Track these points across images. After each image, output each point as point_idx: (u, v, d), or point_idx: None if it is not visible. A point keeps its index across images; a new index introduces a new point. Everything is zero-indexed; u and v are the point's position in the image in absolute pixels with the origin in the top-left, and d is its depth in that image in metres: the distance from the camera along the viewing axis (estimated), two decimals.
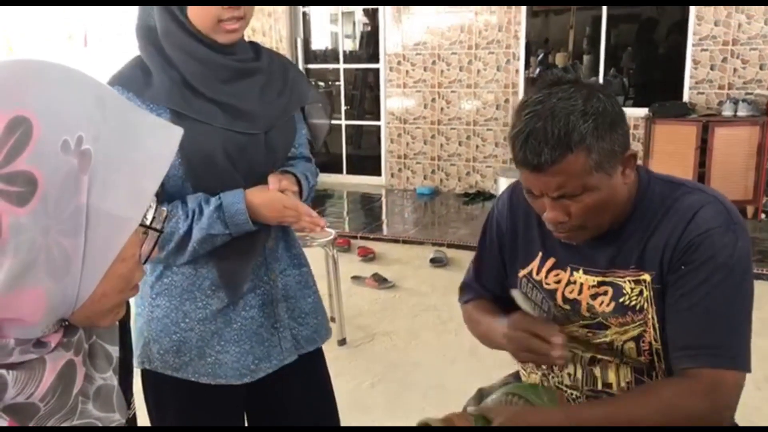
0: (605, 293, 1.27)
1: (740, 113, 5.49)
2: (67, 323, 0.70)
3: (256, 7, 1.42)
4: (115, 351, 0.80)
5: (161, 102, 1.34)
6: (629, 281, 1.24)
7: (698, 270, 1.17)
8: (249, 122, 1.39)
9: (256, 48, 1.49)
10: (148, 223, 0.69)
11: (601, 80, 6.53)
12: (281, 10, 7.30)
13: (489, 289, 1.49)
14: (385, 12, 6.95)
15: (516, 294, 1.29)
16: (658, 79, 6.91)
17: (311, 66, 7.66)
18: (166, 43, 1.35)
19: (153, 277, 1.44)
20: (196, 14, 1.32)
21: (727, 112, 5.56)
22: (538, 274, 1.36)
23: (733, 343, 1.16)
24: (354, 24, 8.61)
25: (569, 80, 1.16)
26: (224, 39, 1.36)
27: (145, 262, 0.72)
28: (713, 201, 1.21)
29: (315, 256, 3.79)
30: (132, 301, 1.48)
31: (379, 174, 7.38)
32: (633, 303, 1.24)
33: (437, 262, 4.81)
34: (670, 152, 5.44)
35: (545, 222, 1.23)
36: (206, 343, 1.44)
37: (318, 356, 1.61)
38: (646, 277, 1.23)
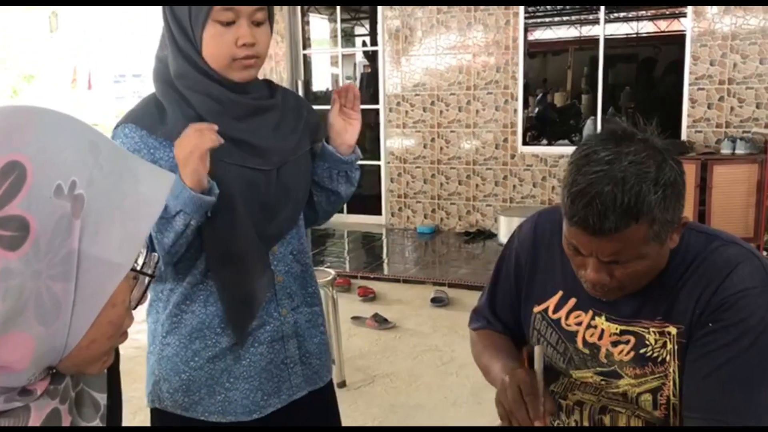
0: (627, 342, 1.22)
1: (738, 151, 5.52)
2: (54, 370, 0.68)
3: None
4: (102, 399, 0.79)
5: (174, 139, 1.32)
6: (653, 332, 1.19)
7: (726, 330, 1.11)
8: (262, 158, 1.38)
9: (270, 85, 1.49)
10: (138, 268, 0.68)
11: (599, 119, 6.58)
12: (282, 53, 7.40)
13: (501, 319, 1.44)
14: (384, 54, 7.04)
15: (537, 350, 1.20)
16: (656, 118, 6.96)
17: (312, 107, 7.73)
18: (180, 84, 1.35)
19: (164, 315, 1.43)
20: (211, 53, 1.33)
21: (726, 150, 5.59)
22: (555, 312, 1.31)
23: (751, 412, 1.10)
24: (354, 66, 8.73)
25: (641, 138, 1.07)
26: (239, 77, 1.36)
27: (135, 308, 0.71)
28: (751, 257, 1.15)
29: None
30: (143, 339, 1.48)
31: (379, 213, 7.39)
32: (655, 354, 1.19)
33: (438, 302, 4.78)
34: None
35: (582, 280, 1.17)
36: (216, 381, 1.43)
37: (330, 393, 1.60)
38: (672, 329, 1.17)
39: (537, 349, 1.20)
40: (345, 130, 1.47)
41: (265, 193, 1.39)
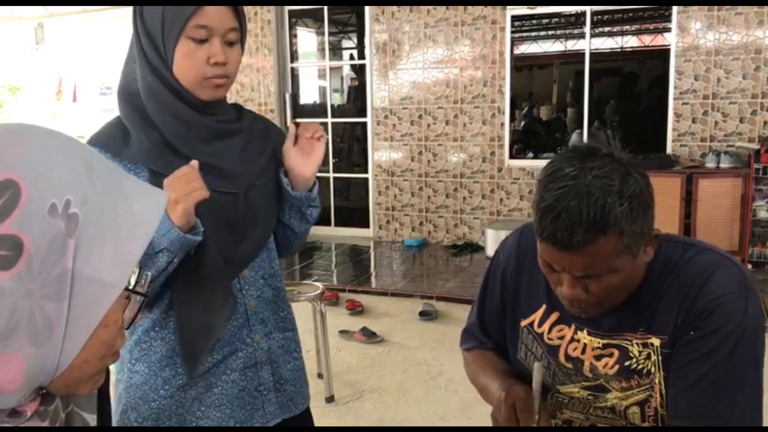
0: (611, 355, 1.22)
1: (723, 165, 5.58)
2: (44, 391, 0.67)
3: (245, 63, 1.42)
4: (92, 419, 0.78)
5: (139, 162, 1.32)
6: (637, 344, 1.20)
7: (708, 338, 1.12)
8: (228, 181, 1.37)
9: (238, 109, 1.48)
10: (131, 287, 0.68)
11: (585, 132, 6.63)
12: (269, 66, 7.41)
13: (492, 337, 1.43)
14: (372, 68, 7.07)
15: (536, 367, 1.20)
16: (641, 132, 7.05)
17: (299, 120, 7.71)
18: (148, 103, 1.34)
19: (131, 341, 1.39)
20: (182, 70, 1.32)
21: (710, 164, 5.65)
22: (540, 326, 1.31)
23: (735, 417, 1.12)
24: (342, 79, 8.76)
25: (604, 153, 1.09)
26: (208, 96, 1.35)
27: (127, 328, 0.70)
28: (726, 263, 1.16)
29: (302, 311, 3.76)
30: (111, 366, 1.44)
31: (367, 226, 7.38)
32: (640, 366, 1.19)
33: (426, 315, 4.78)
34: (656, 204, 5.50)
35: (560, 297, 1.18)
36: (186, 410, 1.39)
37: (306, 420, 1.56)
38: (655, 341, 1.18)
39: (536, 366, 1.20)
40: (302, 163, 1.44)
41: (232, 216, 1.37)
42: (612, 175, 1.06)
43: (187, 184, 1.25)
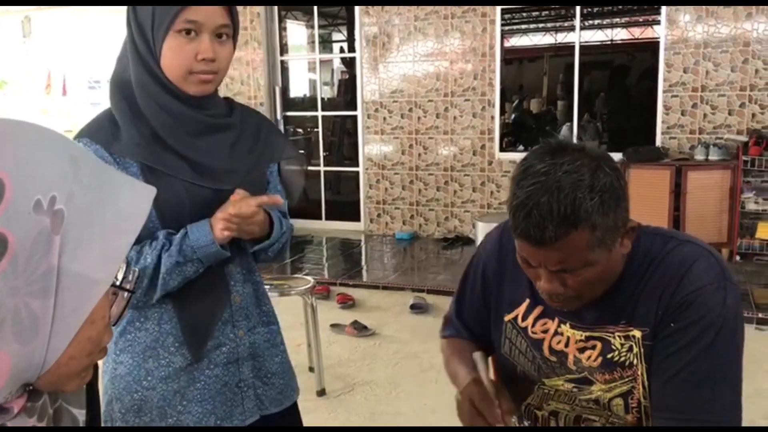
0: (593, 347, 1.24)
1: (712, 157, 5.61)
2: (31, 387, 0.67)
3: (235, 57, 1.42)
4: (81, 414, 0.77)
5: (129, 156, 1.32)
6: (618, 336, 1.21)
7: (687, 329, 1.14)
8: (216, 178, 1.37)
9: (230, 104, 1.48)
10: (118, 283, 0.68)
11: (575, 125, 6.65)
12: (259, 60, 7.38)
13: (469, 327, 1.46)
14: (362, 60, 7.05)
15: (476, 357, 1.26)
16: (631, 124, 7.07)
17: (290, 113, 7.72)
18: (139, 95, 1.33)
19: (116, 333, 1.39)
20: (169, 64, 1.31)
21: (699, 156, 5.68)
22: (524, 320, 1.33)
23: (717, 407, 1.13)
24: (332, 72, 8.73)
25: (575, 148, 1.10)
26: (195, 90, 1.34)
27: (114, 324, 0.70)
28: (705, 254, 1.18)
29: (293, 305, 3.76)
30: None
31: (358, 220, 7.38)
32: (622, 359, 1.21)
33: (417, 308, 4.79)
34: (645, 196, 5.52)
35: (540, 291, 1.19)
36: (168, 403, 1.39)
37: (290, 416, 1.56)
38: (636, 333, 1.20)
39: (475, 356, 1.25)
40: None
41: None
42: (582, 170, 1.07)
43: (250, 225, 1.34)
